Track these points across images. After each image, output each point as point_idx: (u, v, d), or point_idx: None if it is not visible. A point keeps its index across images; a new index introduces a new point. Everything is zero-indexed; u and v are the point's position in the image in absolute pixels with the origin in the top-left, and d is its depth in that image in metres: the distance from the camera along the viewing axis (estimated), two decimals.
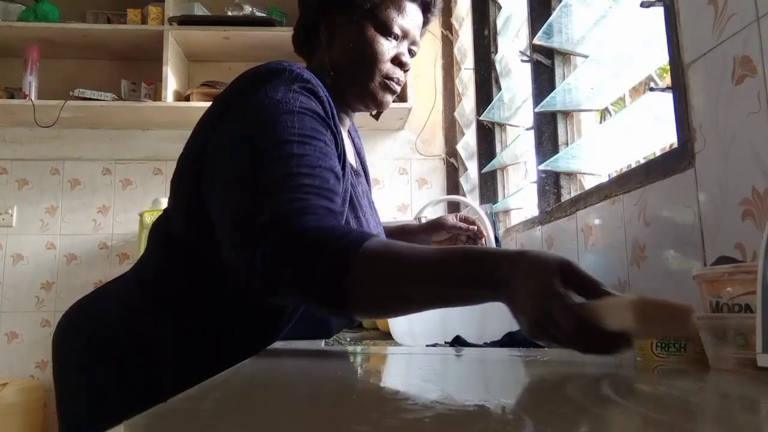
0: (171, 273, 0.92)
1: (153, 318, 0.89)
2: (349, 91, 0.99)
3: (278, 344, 0.89)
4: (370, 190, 1.11)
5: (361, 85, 0.98)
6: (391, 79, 0.98)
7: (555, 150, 1.46)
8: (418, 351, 0.84)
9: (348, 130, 1.08)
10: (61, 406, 0.91)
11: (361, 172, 1.08)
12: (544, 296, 0.53)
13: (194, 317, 0.89)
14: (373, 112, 1.04)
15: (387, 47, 0.97)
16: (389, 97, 1.00)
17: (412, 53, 1.02)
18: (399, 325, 1.02)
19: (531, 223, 1.52)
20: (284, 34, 2.38)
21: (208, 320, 0.90)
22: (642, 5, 0.99)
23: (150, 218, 2.23)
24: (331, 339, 1.09)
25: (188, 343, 0.88)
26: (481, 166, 2.10)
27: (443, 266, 0.62)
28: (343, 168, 0.90)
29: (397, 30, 0.98)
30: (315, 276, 0.65)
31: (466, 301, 0.65)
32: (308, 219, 0.69)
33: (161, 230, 0.96)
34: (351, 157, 1.02)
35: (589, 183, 1.43)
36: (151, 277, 0.94)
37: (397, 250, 0.66)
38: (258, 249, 0.69)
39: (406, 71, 1.00)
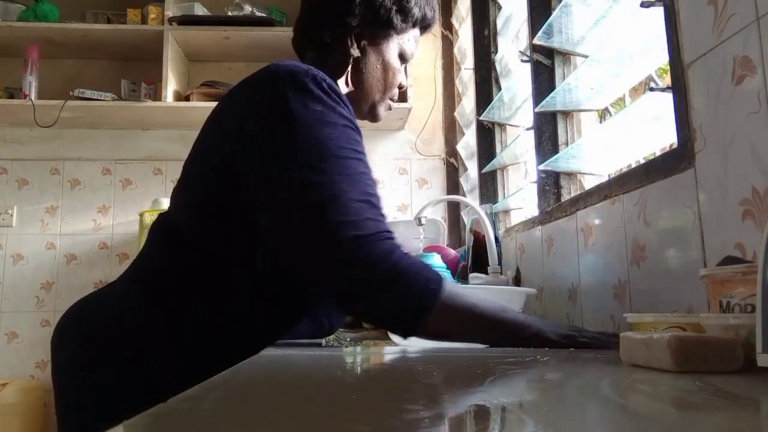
0: (171, 272, 0.92)
1: (152, 316, 0.89)
2: (357, 105, 1.03)
3: (278, 344, 0.89)
4: None
5: (371, 103, 1.04)
6: (393, 99, 1.07)
7: (555, 150, 1.46)
8: (418, 351, 0.84)
9: None
10: (61, 407, 0.91)
11: None
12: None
13: (194, 316, 0.89)
14: None
15: (401, 73, 1.05)
16: (386, 114, 1.08)
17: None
18: None
19: (531, 223, 1.52)
20: (284, 34, 2.38)
21: (208, 319, 0.90)
22: (642, 5, 0.99)
23: (150, 218, 2.23)
24: (332, 339, 1.09)
25: (188, 342, 0.88)
26: (481, 166, 2.10)
27: (497, 327, 0.82)
28: None
29: (409, 59, 1.05)
30: (395, 312, 0.79)
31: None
32: (396, 252, 0.79)
33: (162, 230, 0.96)
34: None
35: (589, 183, 1.43)
36: (152, 276, 0.94)
37: (467, 307, 0.81)
38: (352, 275, 0.77)
39: (401, 90, 1.09)
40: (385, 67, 1.02)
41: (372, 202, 0.81)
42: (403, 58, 1.04)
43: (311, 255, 0.79)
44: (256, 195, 0.83)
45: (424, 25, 1.05)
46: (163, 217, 0.98)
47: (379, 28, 1.00)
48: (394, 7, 0.99)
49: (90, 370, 0.88)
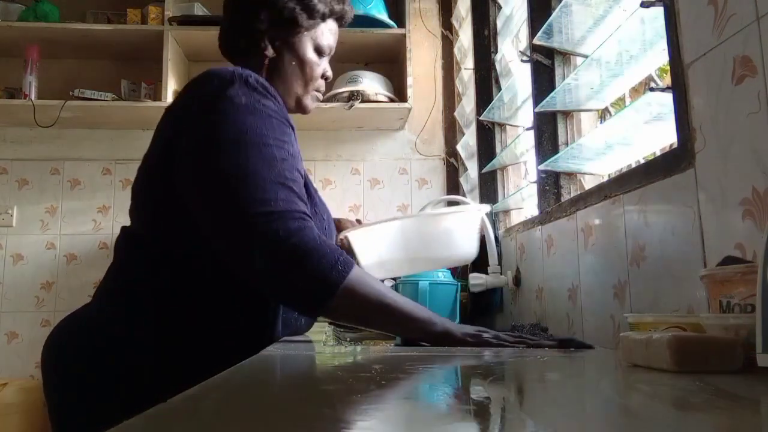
0: (141, 275, 0.95)
1: (133, 321, 0.92)
2: (283, 100, 1.06)
3: (278, 344, 0.89)
4: None
5: (296, 97, 1.09)
6: (319, 91, 1.12)
7: (555, 150, 1.46)
8: (418, 351, 0.84)
9: None
10: (55, 420, 0.93)
11: None
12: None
13: (173, 316, 0.92)
14: None
15: (321, 66, 1.11)
16: (315, 105, 1.14)
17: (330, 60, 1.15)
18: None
19: (531, 223, 1.52)
20: None
21: (187, 317, 0.92)
22: (642, 5, 0.99)
23: None
24: (332, 339, 1.09)
25: (174, 342, 0.91)
26: (481, 166, 2.10)
27: (412, 324, 0.86)
28: None
29: (327, 51, 1.11)
30: (298, 290, 0.83)
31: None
32: (304, 231, 0.83)
33: (123, 242, 1.00)
34: None
35: (589, 183, 1.43)
36: (126, 283, 0.97)
37: (371, 294, 0.85)
38: (257, 249, 0.81)
39: (327, 81, 1.12)
40: (301, 63, 1.07)
41: (287, 185, 0.85)
42: (320, 51, 1.09)
43: (225, 231, 0.84)
44: (185, 186, 0.89)
45: (337, 17, 1.11)
46: (123, 231, 1.02)
47: (288, 28, 1.06)
48: (298, 7, 1.05)
49: (81, 383, 0.91)
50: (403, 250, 1.11)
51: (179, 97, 0.97)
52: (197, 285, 0.93)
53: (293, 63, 1.07)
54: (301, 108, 1.11)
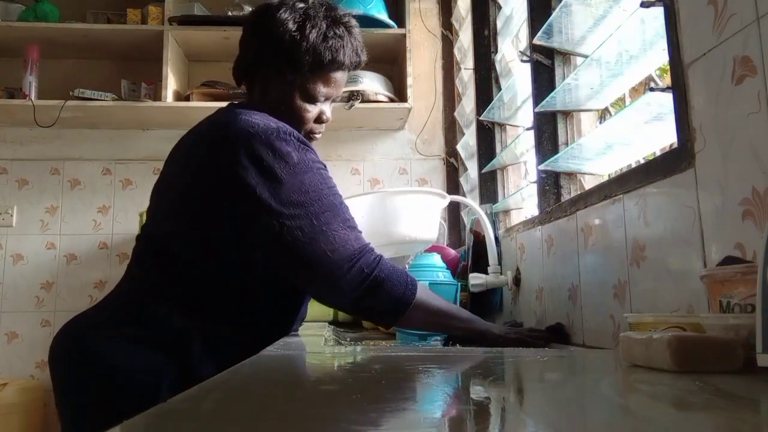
0: (171, 287, 1.00)
1: (149, 330, 0.94)
2: None
3: (278, 344, 0.89)
4: None
5: None
6: (313, 132, 1.15)
7: (555, 150, 1.46)
8: (418, 351, 0.84)
9: None
10: (63, 418, 0.95)
11: None
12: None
13: (189, 329, 0.97)
14: None
15: (312, 112, 1.13)
16: (311, 144, 1.15)
17: (334, 101, 1.17)
18: None
19: (531, 223, 1.52)
20: None
21: (206, 333, 0.97)
22: (642, 5, 0.99)
23: None
24: (331, 339, 1.10)
25: (181, 353, 0.95)
26: (481, 166, 2.10)
27: (461, 325, 1.08)
28: None
29: (321, 98, 1.12)
30: (382, 310, 1.01)
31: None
32: (380, 262, 1.00)
33: (150, 253, 1.05)
34: None
35: (589, 183, 1.43)
36: (149, 291, 1.00)
37: (433, 305, 1.05)
38: (346, 288, 0.97)
39: (326, 123, 1.18)
40: (290, 109, 1.11)
41: (351, 225, 1.00)
42: (312, 99, 1.11)
43: (315, 280, 0.98)
44: (260, 241, 0.98)
45: (334, 69, 1.11)
46: (145, 245, 1.06)
47: (276, 78, 1.10)
48: (284, 60, 1.08)
49: (84, 387, 0.93)
50: (365, 227, 1.16)
51: (222, 143, 1.00)
52: (222, 301, 1.00)
53: (282, 108, 1.10)
54: None
